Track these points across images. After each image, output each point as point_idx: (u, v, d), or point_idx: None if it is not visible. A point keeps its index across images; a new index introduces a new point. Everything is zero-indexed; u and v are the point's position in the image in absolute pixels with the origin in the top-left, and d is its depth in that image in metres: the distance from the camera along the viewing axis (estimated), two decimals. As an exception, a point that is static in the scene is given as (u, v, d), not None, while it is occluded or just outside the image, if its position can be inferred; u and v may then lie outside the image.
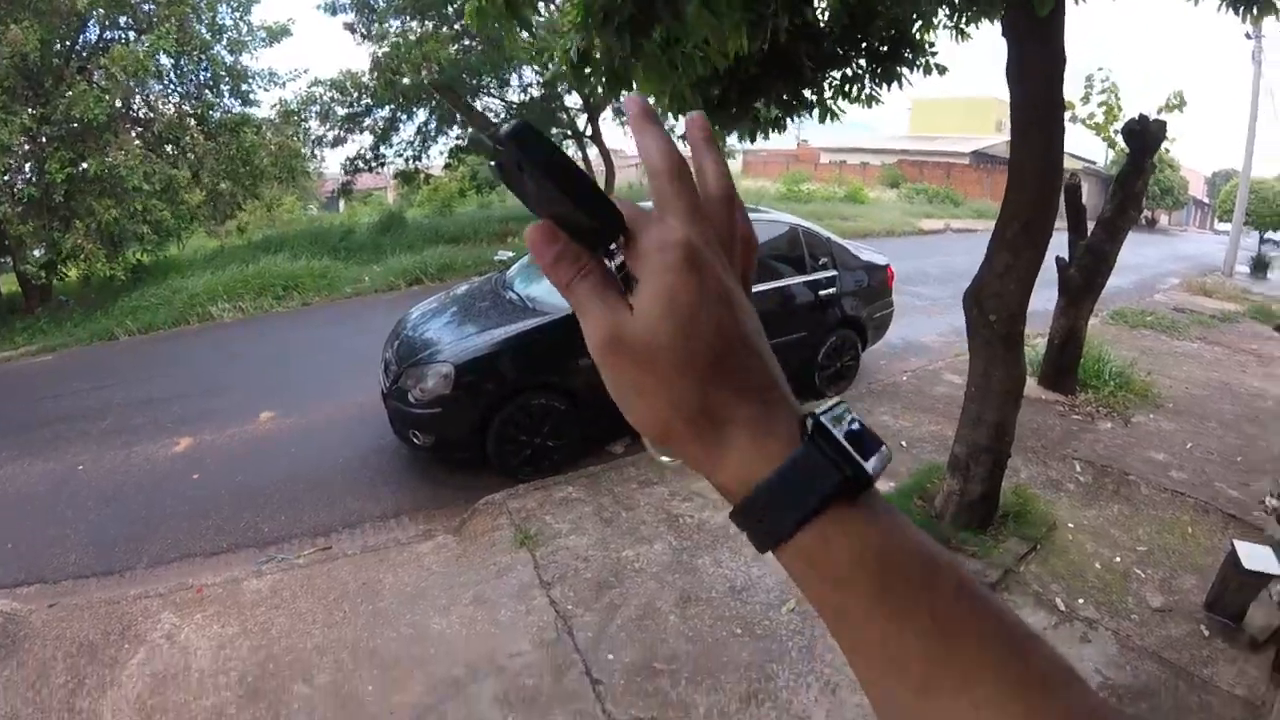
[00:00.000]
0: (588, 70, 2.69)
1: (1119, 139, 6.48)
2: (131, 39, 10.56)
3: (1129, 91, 7.31)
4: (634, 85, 2.67)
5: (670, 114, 3.09)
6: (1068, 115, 6.21)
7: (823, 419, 0.40)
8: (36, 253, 9.85)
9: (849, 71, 3.58)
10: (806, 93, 3.51)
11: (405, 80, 11.93)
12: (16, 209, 9.13)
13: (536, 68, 13.07)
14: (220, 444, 5.42)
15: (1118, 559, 3.58)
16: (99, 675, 2.89)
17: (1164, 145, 5.82)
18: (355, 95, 13.26)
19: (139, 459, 5.23)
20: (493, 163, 0.40)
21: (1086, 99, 7.27)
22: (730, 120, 3.47)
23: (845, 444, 0.39)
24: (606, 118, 15.83)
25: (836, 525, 0.38)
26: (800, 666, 2.83)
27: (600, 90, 3.13)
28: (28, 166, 9.75)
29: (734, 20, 2.10)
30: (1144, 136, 5.38)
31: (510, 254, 6.23)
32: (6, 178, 9.17)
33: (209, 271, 11.10)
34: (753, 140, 3.76)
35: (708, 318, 0.39)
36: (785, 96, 3.43)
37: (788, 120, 3.61)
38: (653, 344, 0.39)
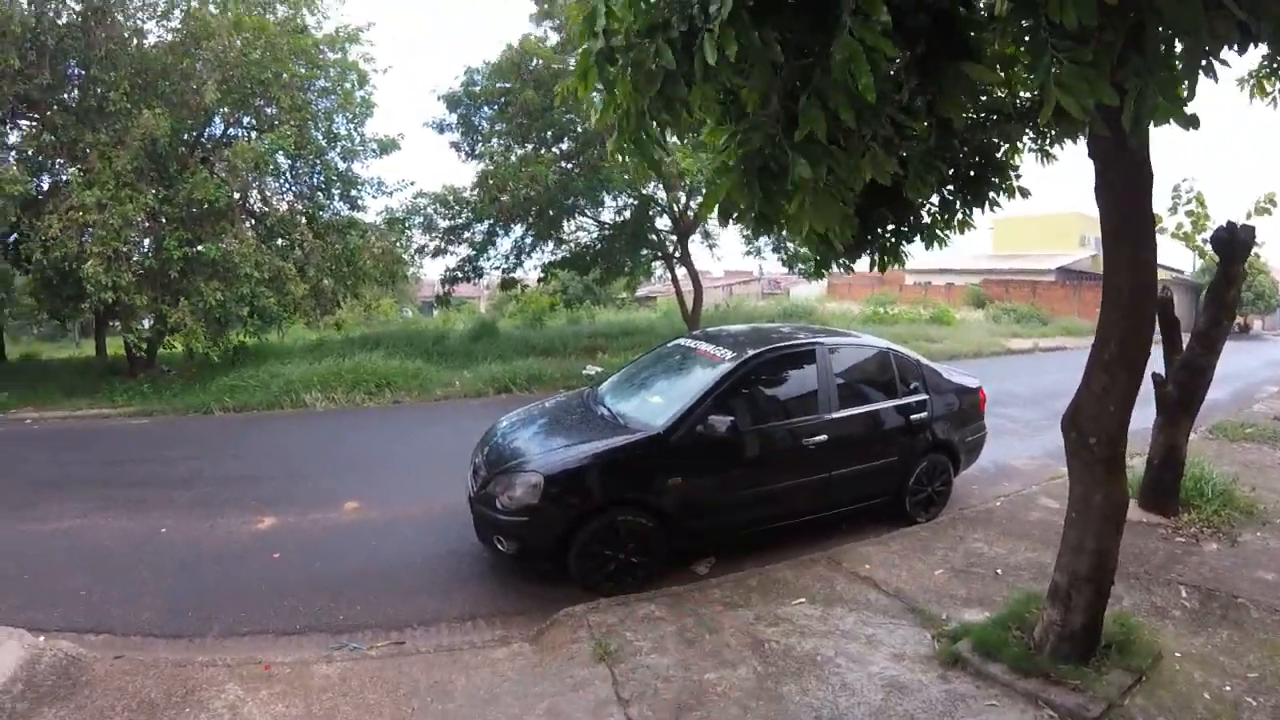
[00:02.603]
0: (735, 216, 2.72)
1: (1208, 248, 6.31)
2: (253, 138, 11.64)
3: (1216, 194, 7.10)
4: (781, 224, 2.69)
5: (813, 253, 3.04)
6: (1156, 228, 6.11)
7: None
8: (146, 323, 10.55)
9: (945, 195, 3.65)
10: (911, 219, 3.58)
11: (505, 198, 12.47)
12: (133, 279, 9.89)
13: (630, 192, 13.60)
14: (303, 527, 5.51)
15: (1227, 688, 3.31)
16: (154, 734, 2.84)
17: (1254, 250, 5.65)
18: (457, 209, 13.96)
19: (221, 531, 5.38)
20: None
21: (1174, 209, 7.11)
22: (852, 250, 3.52)
23: None
24: (695, 240, 16.18)
25: None
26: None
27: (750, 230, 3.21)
28: (146, 242, 10.66)
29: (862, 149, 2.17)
30: (1233, 244, 5.25)
31: (598, 369, 6.36)
32: (127, 250, 9.97)
33: (306, 361, 11.70)
34: (883, 270, 3.80)
35: None
36: (893, 224, 3.51)
37: (901, 246, 3.66)
38: None
